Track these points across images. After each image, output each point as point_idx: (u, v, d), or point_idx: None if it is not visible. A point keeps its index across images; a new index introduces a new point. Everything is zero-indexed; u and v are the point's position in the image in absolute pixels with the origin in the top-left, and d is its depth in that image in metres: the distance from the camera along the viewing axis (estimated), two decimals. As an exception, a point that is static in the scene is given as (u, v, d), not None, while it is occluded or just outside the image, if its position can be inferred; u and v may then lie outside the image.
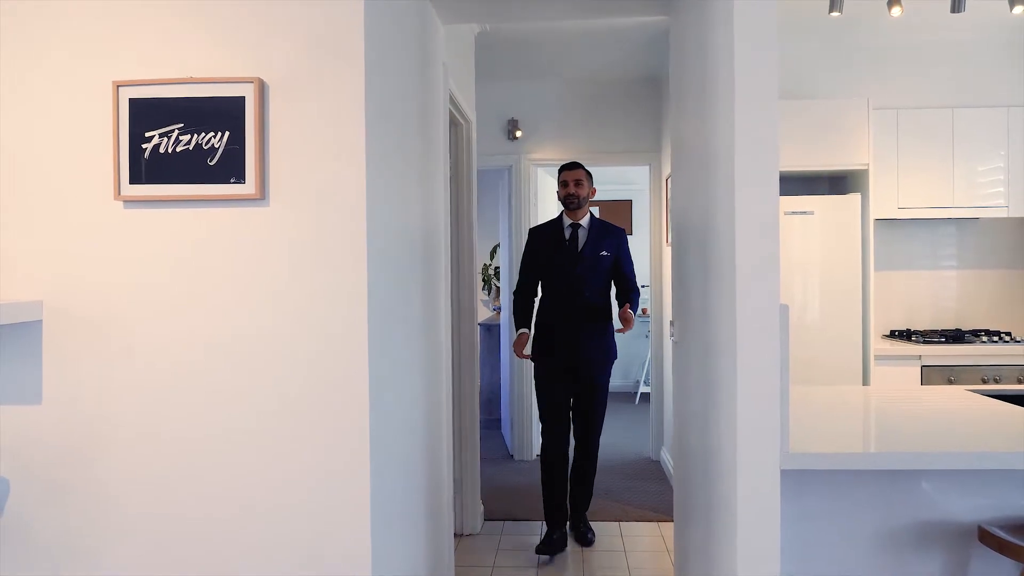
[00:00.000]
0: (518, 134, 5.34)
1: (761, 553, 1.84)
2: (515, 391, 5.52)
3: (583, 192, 3.68)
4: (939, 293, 4.52)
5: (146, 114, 1.90)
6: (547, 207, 5.78)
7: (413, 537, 2.42)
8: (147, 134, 1.90)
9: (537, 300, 3.84)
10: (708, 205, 2.18)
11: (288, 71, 1.88)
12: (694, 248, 2.45)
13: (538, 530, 3.93)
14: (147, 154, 1.90)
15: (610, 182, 7.60)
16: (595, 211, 6.01)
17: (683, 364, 2.71)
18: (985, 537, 2.02)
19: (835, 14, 3.42)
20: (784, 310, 1.84)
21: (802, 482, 2.07)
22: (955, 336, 4.16)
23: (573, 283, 3.63)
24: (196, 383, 1.90)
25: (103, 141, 1.91)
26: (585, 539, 3.76)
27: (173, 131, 1.89)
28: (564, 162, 3.82)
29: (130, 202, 1.91)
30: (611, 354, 3.75)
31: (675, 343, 2.87)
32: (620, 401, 7.55)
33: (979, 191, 4.20)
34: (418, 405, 2.52)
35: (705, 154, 2.23)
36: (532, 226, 3.84)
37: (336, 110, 1.88)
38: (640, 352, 7.86)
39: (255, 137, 1.87)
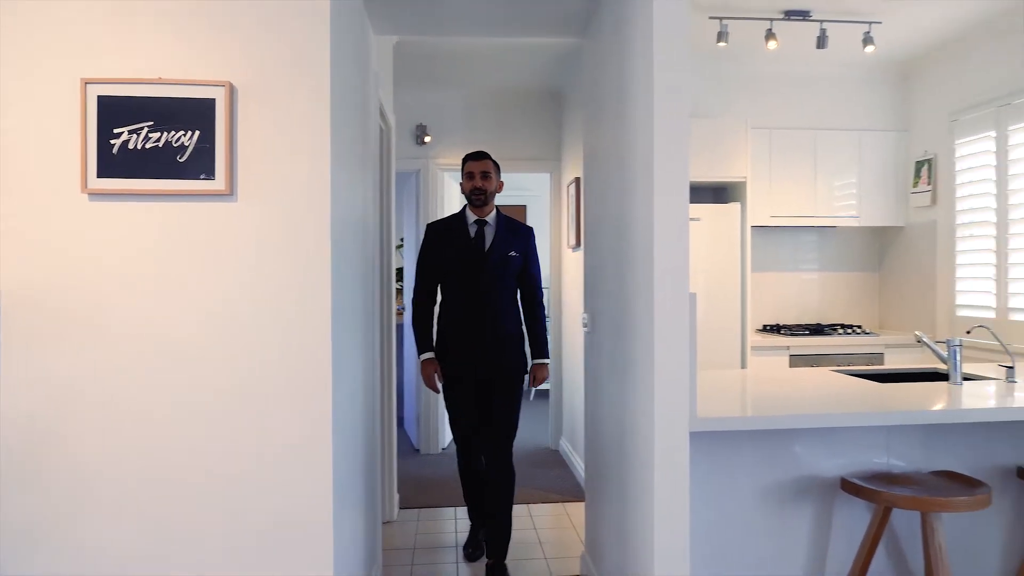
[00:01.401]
0: (427, 139, 5.55)
1: (674, 502, 2.17)
2: (420, 388, 5.71)
3: (491, 185, 3.26)
4: (803, 292, 5.12)
5: (115, 111, 2.00)
6: (451, 210, 6.01)
7: (356, 515, 2.60)
8: (116, 130, 2.00)
9: (437, 308, 3.40)
10: (625, 208, 2.51)
11: (258, 76, 2.04)
12: (610, 246, 2.77)
13: (451, 515, 4.15)
14: (116, 149, 2.00)
15: (506, 187, 7.91)
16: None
17: (597, 349, 3.03)
18: (846, 486, 2.45)
19: (722, 44, 3.89)
20: (693, 298, 2.18)
21: (704, 444, 2.43)
22: (816, 329, 4.75)
23: (479, 288, 3.20)
24: (165, 366, 2.02)
25: (71, 135, 1.99)
26: None
27: (143, 128, 2.00)
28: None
29: (97, 195, 2.00)
30: (524, 366, 3.33)
31: (587, 332, 3.19)
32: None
33: (836, 203, 4.82)
34: (359, 392, 2.70)
35: (622, 164, 2.55)
36: (430, 221, 3.30)
37: (303, 113, 2.06)
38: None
39: (225, 136, 2.02)
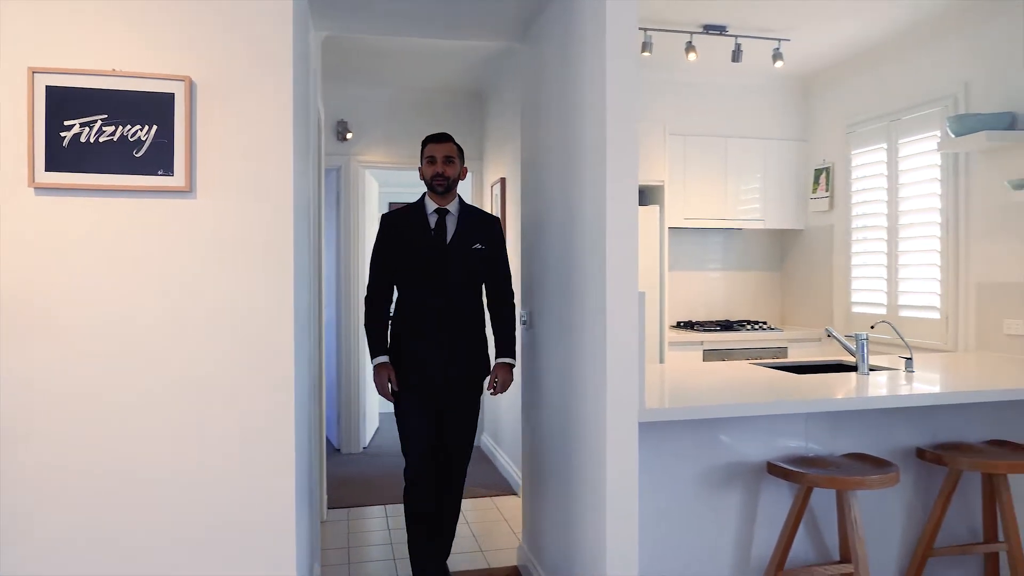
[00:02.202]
0: (348, 136, 5.50)
1: (625, 489, 2.30)
2: (341, 387, 5.65)
3: (454, 171, 2.93)
4: (712, 290, 5.43)
5: (66, 103, 1.92)
6: (371, 208, 5.97)
7: (305, 512, 2.59)
8: (67, 122, 1.92)
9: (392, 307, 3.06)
10: (573, 207, 2.61)
11: (219, 72, 2.01)
12: (553, 245, 2.88)
13: (381, 514, 4.16)
14: (67, 142, 1.92)
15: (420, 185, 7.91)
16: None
17: (537, 346, 3.13)
18: (773, 469, 2.66)
19: (646, 54, 4.08)
20: (642, 296, 2.32)
21: (642, 435, 2.58)
22: (726, 325, 5.05)
23: (439, 284, 2.89)
24: (123, 363, 1.97)
25: (17, 127, 1.90)
26: None
27: (96, 121, 1.94)
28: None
29: (46, 189, 1.92)
30: (484, 371, 3.04)
31: (526, 330, 3.28)
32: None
33: (743, 206, 5.13)
34: (305, 387, 2.68)
35: (568, 164, 2.66)
36: (385, 212, 3.04)
37: (266, 110, 2.04)
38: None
39: (185, 132, 1.98)
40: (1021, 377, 2.93)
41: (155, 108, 1.97)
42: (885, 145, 4.43)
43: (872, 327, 3.30)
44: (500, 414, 5.09)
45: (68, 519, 1.94)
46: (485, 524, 3.99)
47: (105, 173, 1.95)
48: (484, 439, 5.62)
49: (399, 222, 2.99)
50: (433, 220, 2.96)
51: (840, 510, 2.81)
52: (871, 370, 3.15)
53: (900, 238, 4.34)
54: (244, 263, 2.03)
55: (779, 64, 4.31)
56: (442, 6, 2.91)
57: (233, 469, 2.03)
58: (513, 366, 3.03)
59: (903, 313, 4.30)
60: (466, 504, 4.31)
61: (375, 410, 6.26)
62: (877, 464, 2.63)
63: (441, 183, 2.92)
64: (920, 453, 2.87)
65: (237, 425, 2.03)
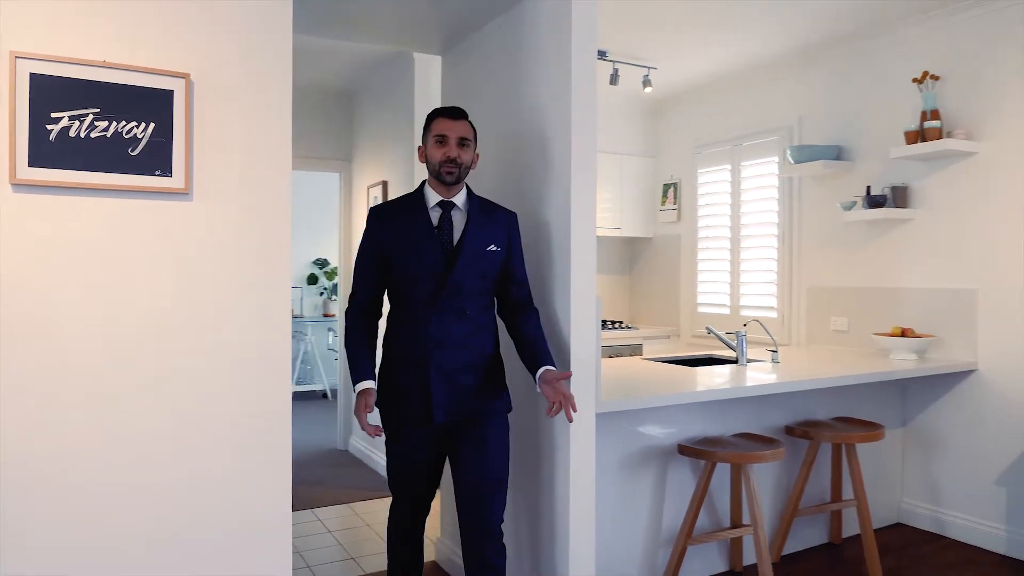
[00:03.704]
0: (210, 130, 5.21)
1: (585, 469, 2.54)
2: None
3: (468, 157, 2.37)
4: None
5: (52, 93, 1.79)
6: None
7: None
8: (54, 115, 1.79)
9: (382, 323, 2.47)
10: (533, 219, 2.77)
11: (220, 71, 1.96)
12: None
13: (311, 517, 4.03)
14: (53, 136, 1.79)
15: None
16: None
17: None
18: (683, 450, 3.03)
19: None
20: (599, 301, 2.57)
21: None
22: (589, 325, 5.48)
23: (447, 294, 2.33)
24: (115, 370, 1.86)
25: (-3, 117, 1.73)
26: None
27: (87, 115, 1.82)
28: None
29: (28, 186, 1.77)
30: (507, 402, 2.46)
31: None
32: (304, 399, 7.85)
33: (602, 215, 5.59)
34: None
35: (519, 173, 2.84)
36: (374, 204, 2.42)
37: (265, 111, 2.02)
38: (325, 352, 8.03)
39: (184, 131, 1.91)
40: (853, 365, 3.56)
41: (153, 105, 1.87)
42: (729, 166, 5.09)
43: (744, 325, 3.83)
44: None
45: (61, 524, 1.79)
46: (354, 530, 4.04)
47: (97, 171, 1.82)
48: (352, 442, 5.60)
49: (393, 217, 2.39)
50: (436, 216, 2.38)
51: (735, 481, 3.27)
52: (748, 361, 3.67)
53: (742, 247, 5.00)
54: (240, 268, 2.00)
55: (648, 90, 4.80)
56: (372, 12, 2.97)
57: (229, 471, 1.99)
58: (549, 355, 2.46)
59: (744, 312, 4.96)
60: (358, 507, 4.32)
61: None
62: (765, 441, 3.10)
63: (452, 170, 2.33)
64: (789, 430, 3.41)
65: (233, 428, 1.99)
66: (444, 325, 2.33)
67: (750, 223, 4.94)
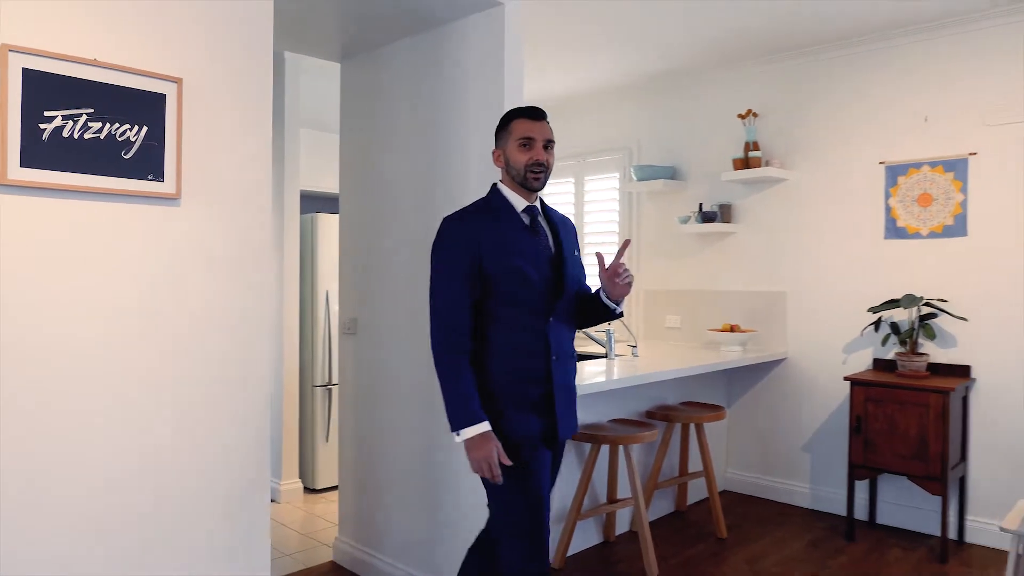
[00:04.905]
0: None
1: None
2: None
3: (553, 161, 2.24)
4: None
5: (47, 90, 1.72)
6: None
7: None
8: (47, 113, 1.72)
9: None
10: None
11: (210, 77, 1.98)
12: (401, 253, 3.18)
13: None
14: (47, 135, 1.71)
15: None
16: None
17: (365, 351, 3.37)
18: (576, 435, 3.41)
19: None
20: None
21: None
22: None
23: (561, 303, 2.21)
24: (102, 373, 1.81)
25: (-12, 113, 1.63)
26: None
27: (80, 115, 1.77)
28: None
29: (19, 187, 1.68)
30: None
31: (348, 335, 3.48)
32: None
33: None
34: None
35: (433, 176, 3.03)
36: (449, 214, 2.23)
37: (251, 118, 2.07)
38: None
39: (176, 136, 1.90)
40: (695, 357, 4.17)
41: (146, 108, 1.85)
42: (573, 179, 5.59)
43: (608, 323, 4.30)
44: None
45: (41, 530, 1.72)
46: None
47: (91, 173, 1.77)
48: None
49: (484, 225, 2.16)
50: (526, 221, 2.22)
51: (617, 461, 3.72)
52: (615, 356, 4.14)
53: (584, 255, 5.52)
54: (228, 274, 2.01)
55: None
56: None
57: (211, 472, 2.00)
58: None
59: (588, 312, 5.49)
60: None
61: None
62: (640, 425, 3.57)
63: (539, 176, 2.17)
64: (650, 414, 3.94)
65: (216, 433, 2.01)
66: (558, 334, 2.21)
67: (593, 232, 5.47)
